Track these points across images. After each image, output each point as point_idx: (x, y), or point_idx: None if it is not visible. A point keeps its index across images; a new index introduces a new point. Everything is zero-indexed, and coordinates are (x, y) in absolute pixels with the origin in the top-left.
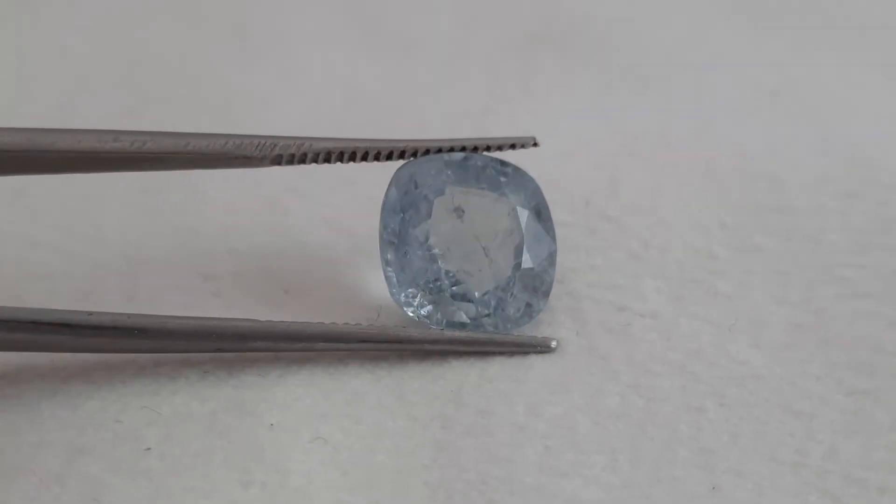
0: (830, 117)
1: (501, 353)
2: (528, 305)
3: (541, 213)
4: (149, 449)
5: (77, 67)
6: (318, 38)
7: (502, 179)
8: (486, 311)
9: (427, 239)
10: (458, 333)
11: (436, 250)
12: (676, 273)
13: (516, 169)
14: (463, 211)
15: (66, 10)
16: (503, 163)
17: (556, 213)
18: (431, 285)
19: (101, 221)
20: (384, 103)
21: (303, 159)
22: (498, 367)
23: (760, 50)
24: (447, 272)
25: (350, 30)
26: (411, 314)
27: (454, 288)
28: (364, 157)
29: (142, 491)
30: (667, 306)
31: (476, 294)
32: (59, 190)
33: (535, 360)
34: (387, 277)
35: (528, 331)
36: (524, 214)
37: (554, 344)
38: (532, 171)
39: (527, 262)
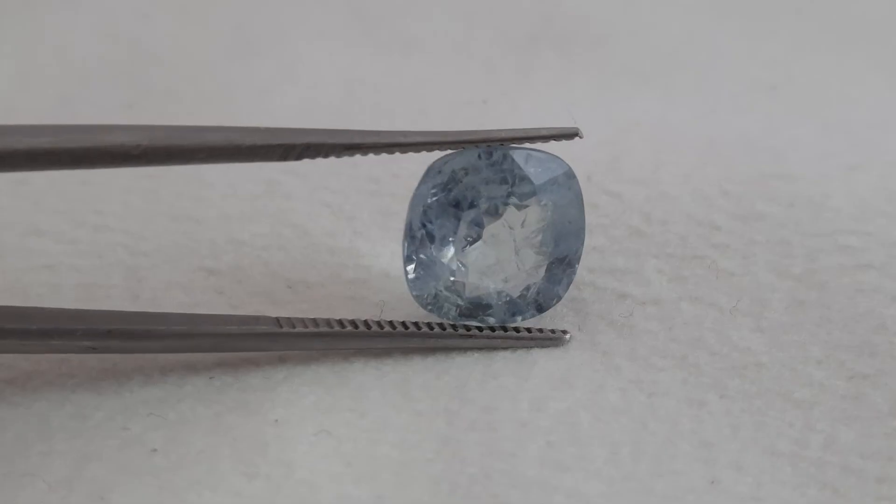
0: (830, 108)
1: (506, 349)
2: (551, 292)
3: (571, 203)
4: (155, 450)
5: (77, 63)
6: (318, 33)
7: (533, 171)
8: (508, 300)
9: (456, 232)
10: (466, 331)
11: (462, 240)
12: (678, 249)
13: (549, 158)
14: (493, 199)
15: (67, 6)
16: (536, 153)
17: None
18: (454, 279)
19: (102, 209)
20: (385, 98)
21: (331, 151)
22: (501, 363)
23: (760, 47)
24: (472, 265)
25: (351, 25)
26: (429, 308)
27: (477, 276)
28: (402, 150)
29: (148, 487)
30: (668, 290)
31: (498, 285)
32: (61, 178)
33: (538, 356)
34: (406, 271)
35: (534, 325)
36: (553, 204)
37: (568, 337)
38: None
39: (555, 252)
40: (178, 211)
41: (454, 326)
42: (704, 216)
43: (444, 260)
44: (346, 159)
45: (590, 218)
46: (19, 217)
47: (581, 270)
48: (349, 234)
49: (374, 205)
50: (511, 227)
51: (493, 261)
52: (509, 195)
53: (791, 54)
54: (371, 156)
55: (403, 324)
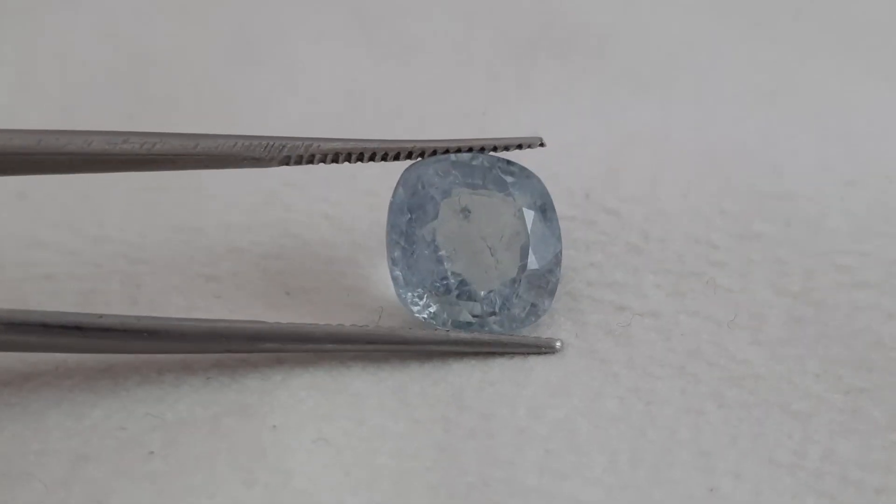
0: (829, 115)
1: (503, 355)
2: (534, 306)
3: (546, 213)
4: (152, 453)
5: (78, 69)
6: (318, 40)
7: (508, 180)
8: (492, 311)
9: (434, 239)
10: (461, 335)
11: (442, 251)
12: (676, 266)
13: (522, 169)
14: (469, 211)
15: (68, 12)
16: (509, 163)
17: (556, 207)
18: (438, 285)
19: (102, 220)
20: (385, 105)
21: (311, 160)
22: (499, 370)
23: (759, 53)
24: (453, 272)
25: (351, 32)
26: (417, 315)
27: (460, 288)
28: (372, 158)
29: (146, 492)
30: (666, 303)
31: (481, 294)
32: (61, 189)
33: (535, 363)
34: (393, 277)
35: (530, 333)
36: (530, 215)
37: (558, 344)
38: (531, 167)
39: (532, 262)
40: (178, 221)
41: (449, 333)
42: (702, 235)
43: (425, 269)
44: (344, 172)
45: (588, 234)
46: (19, 229)
47: (578, 283)
48: (348, 244)
49: (373, 217)
50: (486, 238)
51: (473, 271)
52: (482, 203)
53: (790, 60)
54: (370, 170)
55: (401, 330)
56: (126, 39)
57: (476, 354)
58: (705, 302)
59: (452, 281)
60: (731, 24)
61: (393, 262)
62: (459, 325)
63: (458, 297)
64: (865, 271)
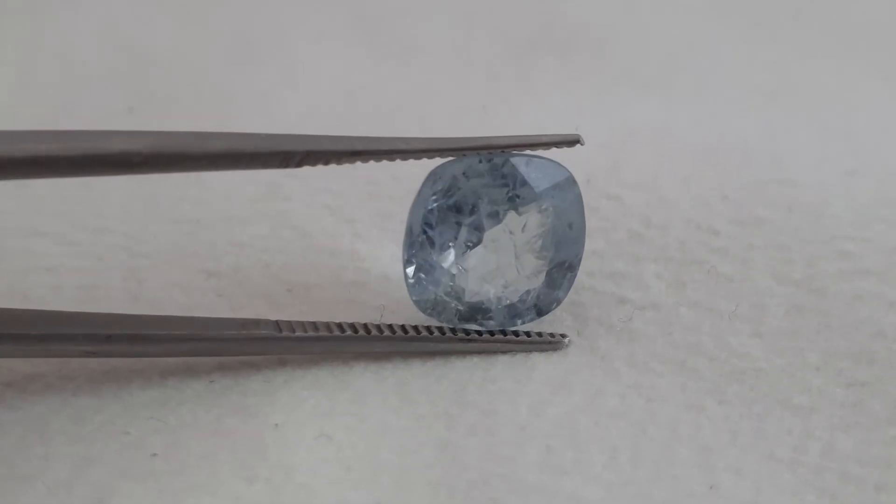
0: (829, 113)
1: (506, 353)
2: (550, 295)
3: (572, 208)
4: (155, 455)
5: (78, 69)
6: (318, 40)
7: (534, 177)
8: (503, 305)
9: (455, 239)
10: (466, 334)
11: (463, 249)
12: (678, 254)
13: (550, 164)
14: (494, 208)
15: (68, 10)
16: (537, 158)
17: None
18: (454, 283)
19: (103, 211)
20: (385, 104)
21: (332, 158)
22: (501, 367)
23: (759, 52)
24: (470, 268)
25: (352, 32)
26: (423, 311)
27: (472, 283)
28: (403, 157)
29: (148, 491)
30: (667, 295)
31: (493, 291)
32: (61, 181)
33: (537, 361)
34: (406, 274)
35: (532, 329)
36: (554, 213)
37: (567, 340)
38: None
39: (554, 259)
40: (179, 213)
41: (454, 330)
42: (704, 221)
43: (445, 265)
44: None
45: (589, 221)
46: (20, 220)
47: (580, 274)
48: (349, 236)
49: (374, 207)
50: (511, 233)
51: (494, 266)
52: (510, 200)
53: (790, 59)
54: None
55: (403, 327)
56: (126, 39)
57: (479, 352)
58: (706, 292)
59: (471, 282)
60: (731, 24)
61: (408, 260)
62: (474, 319)
63: (469, 293)
64: (867, 258)
